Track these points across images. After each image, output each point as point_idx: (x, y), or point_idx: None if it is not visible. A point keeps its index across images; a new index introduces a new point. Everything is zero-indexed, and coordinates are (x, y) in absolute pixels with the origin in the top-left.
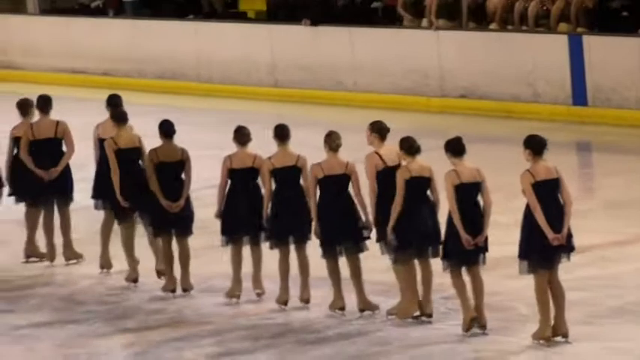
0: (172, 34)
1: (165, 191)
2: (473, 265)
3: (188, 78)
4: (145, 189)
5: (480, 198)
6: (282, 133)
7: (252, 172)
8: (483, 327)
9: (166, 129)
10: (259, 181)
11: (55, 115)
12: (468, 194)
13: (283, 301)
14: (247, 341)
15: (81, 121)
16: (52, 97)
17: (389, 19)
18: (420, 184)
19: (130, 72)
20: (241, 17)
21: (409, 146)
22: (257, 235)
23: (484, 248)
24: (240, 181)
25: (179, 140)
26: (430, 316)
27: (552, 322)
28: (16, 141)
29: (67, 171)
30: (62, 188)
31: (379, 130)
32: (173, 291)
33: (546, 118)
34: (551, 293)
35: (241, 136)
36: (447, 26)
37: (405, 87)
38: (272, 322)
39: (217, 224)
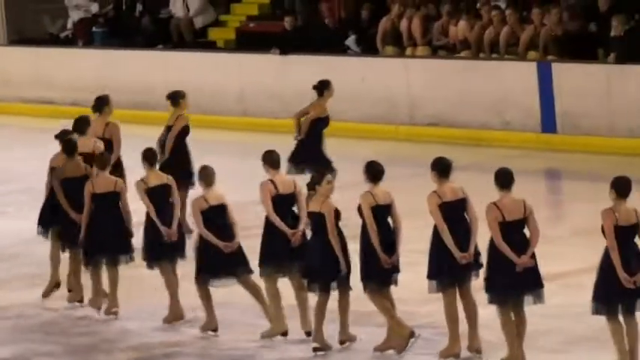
0: (142, 63)
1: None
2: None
3: (158, 108)
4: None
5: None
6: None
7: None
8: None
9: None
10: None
11: (22, 146)
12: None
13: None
14: None
15: (49, 150)
16: (20, 127)
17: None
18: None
19: None
20: (210, 46)
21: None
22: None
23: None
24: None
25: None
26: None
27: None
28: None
29: None
30: None
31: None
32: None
33: (516, 146)
34: (464, 311)
35: (150, 157)
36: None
37: (374, 115)
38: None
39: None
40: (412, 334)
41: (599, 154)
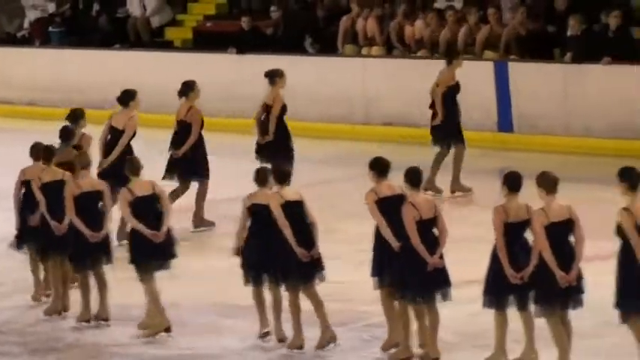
0: (99, 63)
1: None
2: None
3: (115, 107)
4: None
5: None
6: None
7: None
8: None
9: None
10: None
11: None
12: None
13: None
14: None
15: (6, 151)
16: None
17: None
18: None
19: (57, 102)
20: (167, 46)
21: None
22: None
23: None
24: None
25: None
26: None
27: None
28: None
29: None
30: None
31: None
32: (88, 321)
33: (472, 145)
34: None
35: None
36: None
37: (331, 115)
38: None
39: None
40: (297, 347)
41: (556, 154)
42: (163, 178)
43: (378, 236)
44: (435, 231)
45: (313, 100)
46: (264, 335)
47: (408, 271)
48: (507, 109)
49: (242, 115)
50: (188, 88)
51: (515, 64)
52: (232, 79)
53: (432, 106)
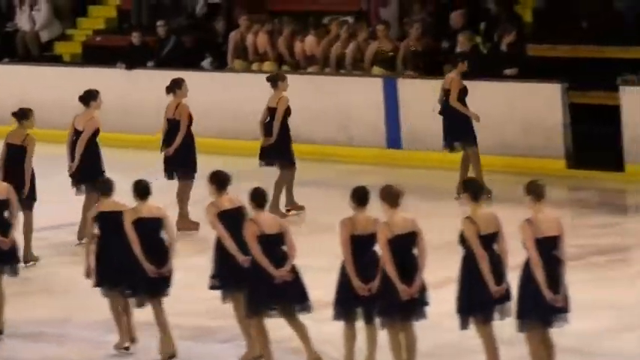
0: None
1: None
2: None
3: (2, 121)
4: None
5: None
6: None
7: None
8: None
9: None
10: None
11: None
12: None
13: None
14: None
15: None
16: None
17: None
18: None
19: None
20: (56, 60)
21: None
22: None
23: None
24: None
25: None
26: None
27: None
28: None
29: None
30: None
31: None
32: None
33: (361, 161)
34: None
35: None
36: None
37: (221, 130)
38: None
39: None
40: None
41: (444, 170)
42: (169, 178)
43: (219, 248)
44: (285, 247)
45: (205, 115)
46: (124, 349)
47: (254, 285)
48: (396, 125)
49: (130, 130)
50: (176, 85)
51: (403, 80)
52: (121, 94)
53: (443, 112)
